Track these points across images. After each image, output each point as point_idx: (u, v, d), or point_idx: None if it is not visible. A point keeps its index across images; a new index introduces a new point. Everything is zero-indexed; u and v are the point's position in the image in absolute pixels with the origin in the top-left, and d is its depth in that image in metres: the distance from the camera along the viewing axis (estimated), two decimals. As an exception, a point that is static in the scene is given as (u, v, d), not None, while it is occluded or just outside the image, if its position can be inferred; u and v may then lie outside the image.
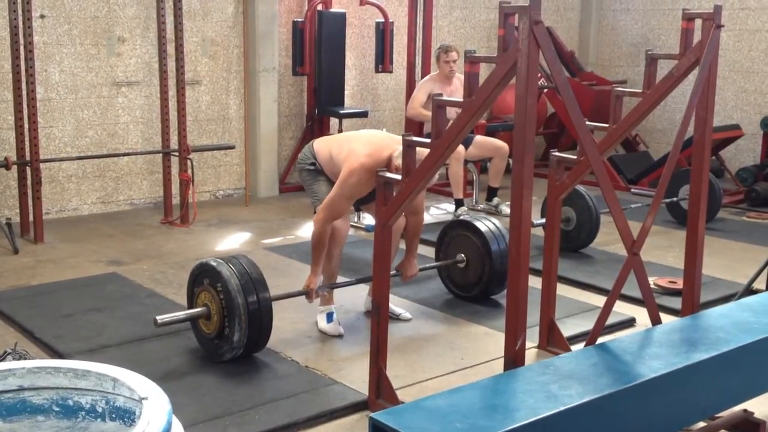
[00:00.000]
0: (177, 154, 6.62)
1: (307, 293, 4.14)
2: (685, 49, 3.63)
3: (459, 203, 6.94)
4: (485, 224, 4.78)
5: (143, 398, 1.86)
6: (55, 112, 6.61)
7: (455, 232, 4.90)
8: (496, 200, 7.26)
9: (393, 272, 4.29)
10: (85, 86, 6.72)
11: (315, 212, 4.22)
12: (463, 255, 4.81)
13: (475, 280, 4.79)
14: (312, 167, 4.38)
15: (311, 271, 4.17)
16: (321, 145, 4.40)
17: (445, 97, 3.20)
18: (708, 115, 3.55)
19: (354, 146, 4.14)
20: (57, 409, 2.05)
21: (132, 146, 7.01)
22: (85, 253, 5.75)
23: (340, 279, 4.42)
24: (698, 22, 3.60)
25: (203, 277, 3.92)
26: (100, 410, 2.02)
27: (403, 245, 4.49)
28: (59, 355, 3.93)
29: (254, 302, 3.77)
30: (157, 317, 3.78)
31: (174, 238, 6.21)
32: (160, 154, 6.77)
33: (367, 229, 6.26)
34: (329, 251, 4.22)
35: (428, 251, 5.33)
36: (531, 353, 4.03)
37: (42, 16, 6.42)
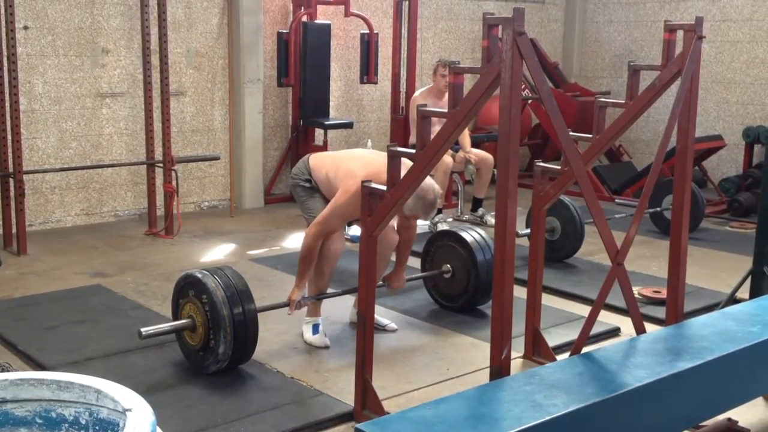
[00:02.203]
0: (161, 165, 6.61)
1: (289, 305, 4.12)
2: (668, 60, 3.66)
3: (437, 212, 6.98)
4: (471, 235, 4.79)
5: (127, 410, 1.85)
6: (38, 123, 6.58)
7: (441, 243, 4.91)
8: (481, 210, 7.29)
9: (380, 283, 4.29)
10: (69, 97, 6.70)
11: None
12: (449, 265, 4.82)
13: (461, 291, 4.79)
14: (307, 184, 4.32)
15: (295, 284, 4.15)
16: (317, 164, 4.31)
17: (429, 108, 3.21)
18: (690, 125, 3.58)
19: (352, 166, 4.07)
20: (40, 421, 2.03)
21: (116, 157, 6.98)
22: (69, 265, 5.71)
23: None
24: (680, 34, 3.64)
25: (188, 288, 3.90)
26: (83, 422, 2.00)
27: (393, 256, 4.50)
28: (43, 368, 3.90)
29: (240, 314, 3.75)
30: (142, 329, 3.76)
31: (158, 250, 6.18)
32: (145, 166, 6.75)
33: (353, 239, 6.26)
34: (321, 269, 4.21)
35: (414, 262, 5.33)
36: (516, 363, 4.04)
37: (25, 28, 6.40)
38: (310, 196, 4.33)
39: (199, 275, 3.84)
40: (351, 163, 4.12)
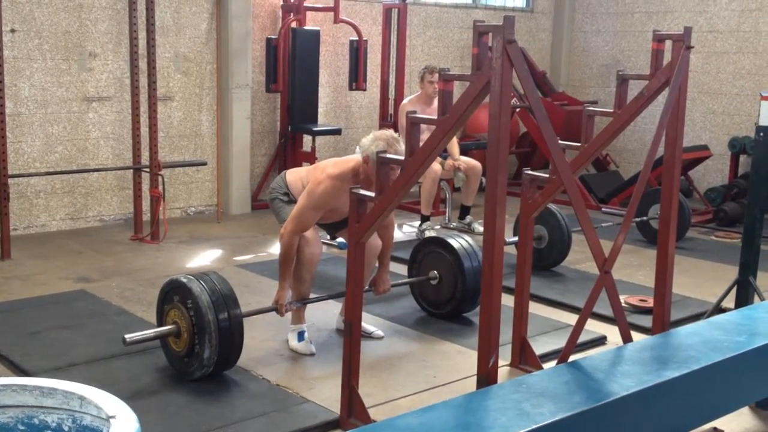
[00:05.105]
0: (148, 170, 6.57)
1: (277, 309, 4.12)
2: (656, 69, 3.68)
3: (425, 219, 6.99)
4: (458, 241, 4.79)
5: (111, 417, 1.83)
6: (24, 127, 6.53)
7: (428, 249, 4.90)
8: (468, 218, 7.29)
9: (366, 287, 4.27)
10: (56, 101, 6.66)
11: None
12: (435, 272, 4.81)
13: (448, 297, 4.78)
14: (285, 198, 4.45)
15: (279, 285, 4.15)
16: (293, 178, 4.49)
17: (419, 114, 3.21)
18: (678, 135, 3.59)
19: (320, 166, 4.29)
20: (22, 427, 2.01)
21: (102, 162, 6.94)
22: (53, 270, 5.67)
23: (312, 295, 4.40)
24: (668, 44, 3.66)
25: (173, 294, 3.87)
26: (66, 429, 1.98)
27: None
28: (26, 374, 3.86)
29: (225, 319, 3.73)
30: (126, 336, 3.73)
31: (144, 255, 6.15)
32: (131, 170, 6.71)
33: (340, 246, 6.25)
34: (300, 275, 4.20)
35: (401, 269, 5.32)
36: (503, 371, 4.03)
37: (12, 31, 6.36)
38: (286, 205, 4.41)
39: (184, 280, 3.82)
40: (320, 165, 4.34)
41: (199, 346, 3.73)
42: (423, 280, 4.87)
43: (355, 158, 4.13)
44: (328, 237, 5.07)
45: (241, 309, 3.84)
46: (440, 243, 4.83)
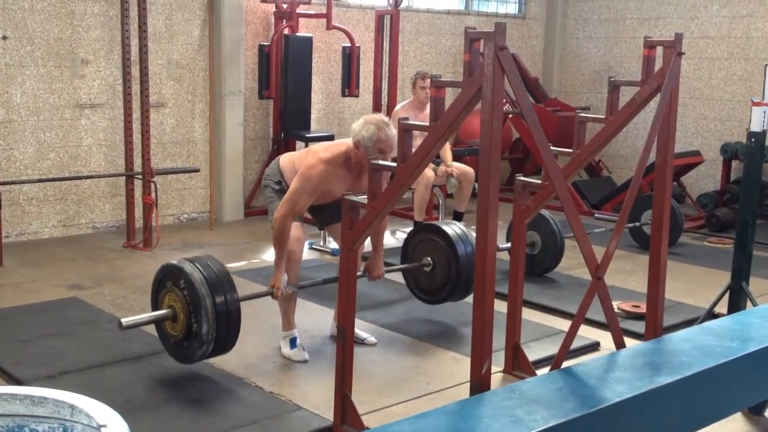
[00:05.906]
0: (140, 177, 6.56)
1: (272, 292, 4.11)
2: (647, 76, 3.69)
3: (418, 225, 6.98)
4: (451, 227, 4.78)
5: (102, 426, 1.82)
6: (16, 134, 6.51)
7: (421, 236, 4.89)
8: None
9: (360, 273, 4.26)
10: (48, 108, 6.64)
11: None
12: (429, 258, 4.79)
13: (442, 284, 4.76)
14: (278, 186, 4.43)
15: (275, 269, 4.14)
16: (286, 161, 4.48)
17: (411, 121, 3.21)
18: (669, 141, 3.60)
19: (312, 149, 4.29)
20: (12, 437, 1.99)
21: (95, 169, 6.93)
22: (45, 278, 5.65)
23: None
24: (659, 50, 3.67)
25: (166, 279, 3.87)
26: (57, 438, 1.97)
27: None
28: (17, 382, 3.85)
29: (220, 293, 3.71)
30: (123, 319, 3.73)
31: (136, 262, 6.13)
32: (124, 177, 6.70)
33: (333, 253, 6.24)
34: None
35: (396, 275, 5.30)
36: (496, 377, 4.03)
37: (4, 38, 6.35)
38: (278, 197, 4.39)
39: (175, 262, 3.83)
40: (312, 149, 4.33)
41: (197, 324, 3.69)
42: (417, 267, 4.84)
43: (346, 142, 4.14)
44: (320, 236, 5.02)
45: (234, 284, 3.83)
46: (433, 229, 4.82)
